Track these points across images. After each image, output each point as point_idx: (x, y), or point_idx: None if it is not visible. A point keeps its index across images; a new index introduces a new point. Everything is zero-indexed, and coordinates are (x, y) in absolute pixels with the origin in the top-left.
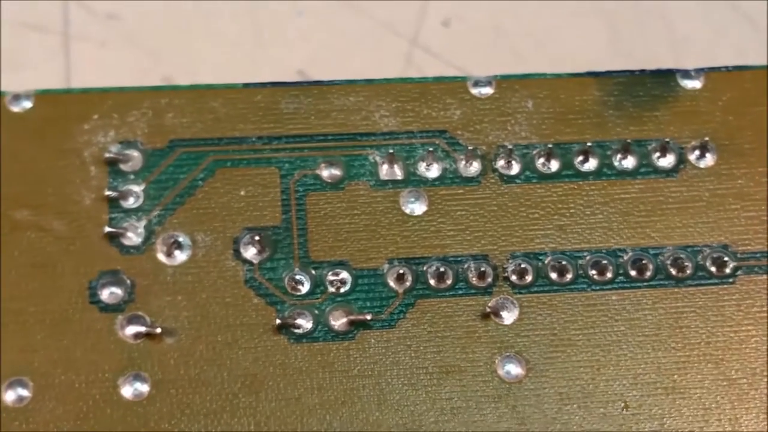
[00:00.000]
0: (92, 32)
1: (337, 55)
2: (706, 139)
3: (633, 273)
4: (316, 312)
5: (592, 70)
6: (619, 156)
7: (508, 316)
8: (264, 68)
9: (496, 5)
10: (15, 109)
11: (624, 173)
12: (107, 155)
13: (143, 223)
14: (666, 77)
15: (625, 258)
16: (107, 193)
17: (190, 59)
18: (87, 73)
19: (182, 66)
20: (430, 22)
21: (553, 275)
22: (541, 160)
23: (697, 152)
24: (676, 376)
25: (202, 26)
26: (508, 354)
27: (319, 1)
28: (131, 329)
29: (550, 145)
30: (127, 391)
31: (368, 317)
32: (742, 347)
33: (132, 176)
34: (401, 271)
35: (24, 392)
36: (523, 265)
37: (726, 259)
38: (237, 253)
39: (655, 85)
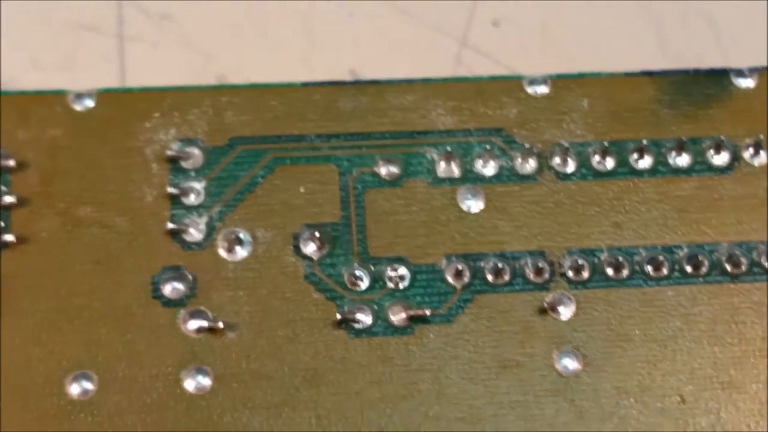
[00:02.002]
0: (146, 33)
1: (387, 55)
2: (761, 136)
3: (689, 269)
4: (376, 307)
5: (641, 69)
6: (673, 153)
7: (565, 312)
8: (315, 68)
9: (544, 5)
10: (77, 107)
11: (679, 170)
12: (168, 153)
13: (204, 219)
14: (720, 76)
15: (681, 254)
16: (169, 190)
17: (242, 59)
18: (141, 74)
19: (234, 66)
20: (480, 23)
21: (610, 271)
22: (597, 157)
23: (751, 150)
24: (732, 371)
25: (253, 27)
26: (565, 349)
27: (369, 2)
28: (193, 324)
29: (605, 143)
30: (190, 384)
31: (427, 312)
32: None
33: (193, 173)
34: (459, 267)
35: (89, 385)
36: (579, 261)
37: None
38: (297, 249)
39: (709, 84)
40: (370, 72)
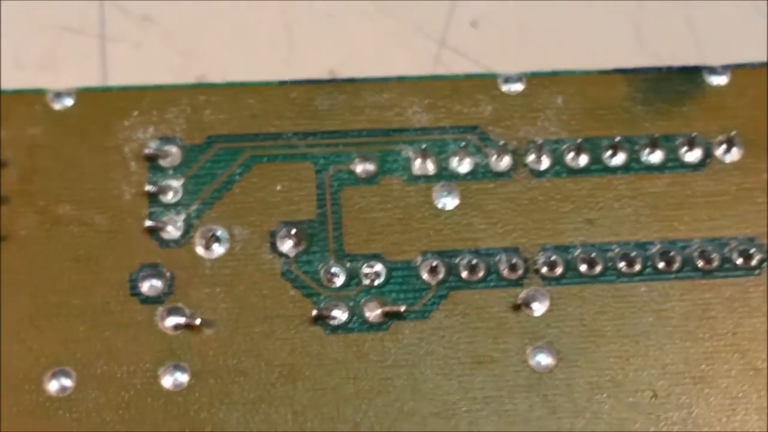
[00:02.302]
0: (127, 33)
1: (367, 56)
2: (733, 133)
3: (661, 265)
4: (351, 303)
5: (615, 67)
6: (647, 150)
7: (539, 308)
8: (295, 68)
9: (521, 6)
10: (57, 106)
11: (652, 167)
12: (147, 151)
13: (182, 217)
14: (693, 74)
15: (653, 250)
16: (147, 188)
17: (222, 60)
18: (123, 73)
19: (215, 66)
20: (458, 23)
21: (583, 267)
22: (571, 154)
23: (723, 147)
24: (703, 366)
25: (234, 28)
26: (539, 344)
27: (348, 3)
28: (171, 320)
29: (579, 140)
30: (168, 381)
31: (402, 308)
32: None
33: (171, 171)
34: (434, 264)
35: (67, 382)
36: (553, 258)
37: (752, 251)
38: (273, 247)
39: (682, 81)
40: (350, 72)
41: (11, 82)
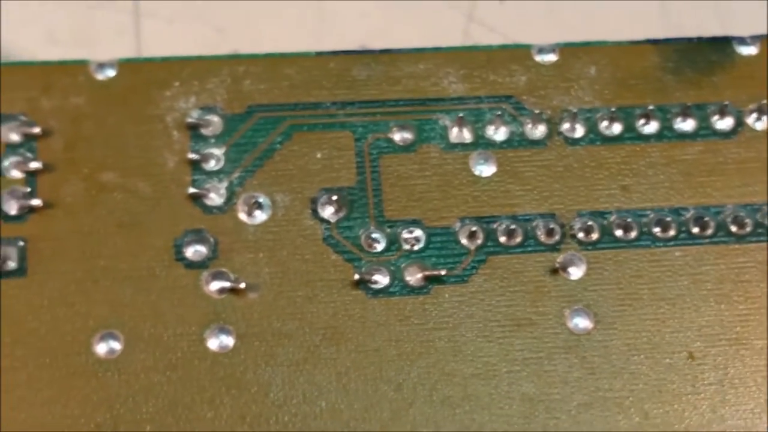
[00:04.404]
0: (161, 9)
1: (397, 31)
2: (763, 102)
3: (695, 230)
4: (392, 268)
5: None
6: (679, 119)
7: (576, 272)
8: (326, 42)
9: None
10: (99, 77)
11: (684, 135)
12: (189, 120)
13: (224, 184)
14: (722, 44)
15: (687, 216)
16: (190, 156)
17: (255, 34)
18: (157, 49)
19: (248, 41)
20: None
21: (619, 232)
22: (605, 123)
23: (754, 115)
24: (738, 328)
25: (265, 3)
26: (576, 307)
27: None
28: (215, 285)
29: (612, 109)
30: (213, 343)
31: (443, 272)
32: None
33: (213, 140)
34: (473, 229)
35: (115, 345)
36: (589, 223)
37: None
38: (315, 213)
39: (712, 51)
40: (381, 46)
41: (47, 58)
